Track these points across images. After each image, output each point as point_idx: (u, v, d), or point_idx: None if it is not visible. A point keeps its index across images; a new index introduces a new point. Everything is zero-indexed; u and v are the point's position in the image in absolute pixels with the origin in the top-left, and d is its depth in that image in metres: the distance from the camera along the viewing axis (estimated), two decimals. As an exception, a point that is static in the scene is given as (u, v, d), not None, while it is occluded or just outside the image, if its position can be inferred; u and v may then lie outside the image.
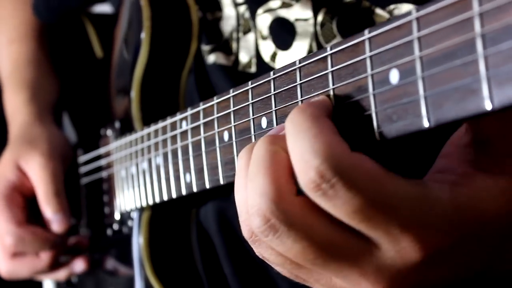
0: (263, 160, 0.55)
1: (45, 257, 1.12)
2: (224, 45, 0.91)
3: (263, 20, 0.85)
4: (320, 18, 0.79)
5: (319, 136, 0.51)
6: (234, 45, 0.90)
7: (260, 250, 0.58)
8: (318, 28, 0.79)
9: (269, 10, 0.84)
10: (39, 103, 1.23)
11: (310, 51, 0.81)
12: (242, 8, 0.88)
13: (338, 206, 0.51)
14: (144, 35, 0.96)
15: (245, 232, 0.58)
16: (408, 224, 0.51)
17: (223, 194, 0.90)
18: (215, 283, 0.92)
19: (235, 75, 0.89)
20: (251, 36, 0.87)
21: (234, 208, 0.89)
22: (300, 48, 0.81)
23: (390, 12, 0.75)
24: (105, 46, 1.22)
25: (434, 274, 0.54)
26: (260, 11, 0.85)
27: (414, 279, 0.54)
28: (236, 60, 0.89)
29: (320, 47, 0.80)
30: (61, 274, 1.17)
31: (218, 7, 0.92)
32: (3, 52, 1.30)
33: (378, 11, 0.76)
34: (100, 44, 1.23)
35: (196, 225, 0.96)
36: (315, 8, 0.79)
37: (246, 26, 0.88)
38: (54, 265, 1.14)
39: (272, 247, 0.56)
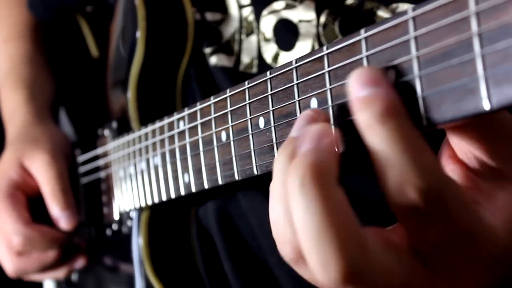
0: (321, 221, 0.47)
1: (52, 253, 1.11)
2: (225, 46, 0.91)
3: (268, 22, 0.85)
4: (322, 19, 0.79)
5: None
6: (236, 46, 0.89)
7: (302, 273, 0.54)
8: (321, 29, 0.79)
9: (274, 12, 0.84)
10: (38, 102, 1.22)
11: None
12: (246, 11, 0.88)
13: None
14: (139, 35, 0.96)
15: (288, 255, 0.53)
16: None
17: (223, 192, 0.90)
18: (216, 281, 0.92)
19: (236, 76, 0.89)
20: (253, 38, 0.87)
21: (235, 205, 0.90)
22: (302, 48, 0.81)
23: (393, 11, 0.75)
24: (100, 45, 1.21)
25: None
26: (265, 12, 0.85)
27: None
28: (237, 61, 0.89)
29: None
30: (62, 272, 1.16)
31: (220, 8, 0.91)
32: None
33: (380, 13, 0.76)
34: (95, 43, 1.23)
35: (196, 224, 0.95)
36: (318, 9, 0.79)
37: (249, 28, 0.88)
38: (60, 261, 1.13)
39: None
